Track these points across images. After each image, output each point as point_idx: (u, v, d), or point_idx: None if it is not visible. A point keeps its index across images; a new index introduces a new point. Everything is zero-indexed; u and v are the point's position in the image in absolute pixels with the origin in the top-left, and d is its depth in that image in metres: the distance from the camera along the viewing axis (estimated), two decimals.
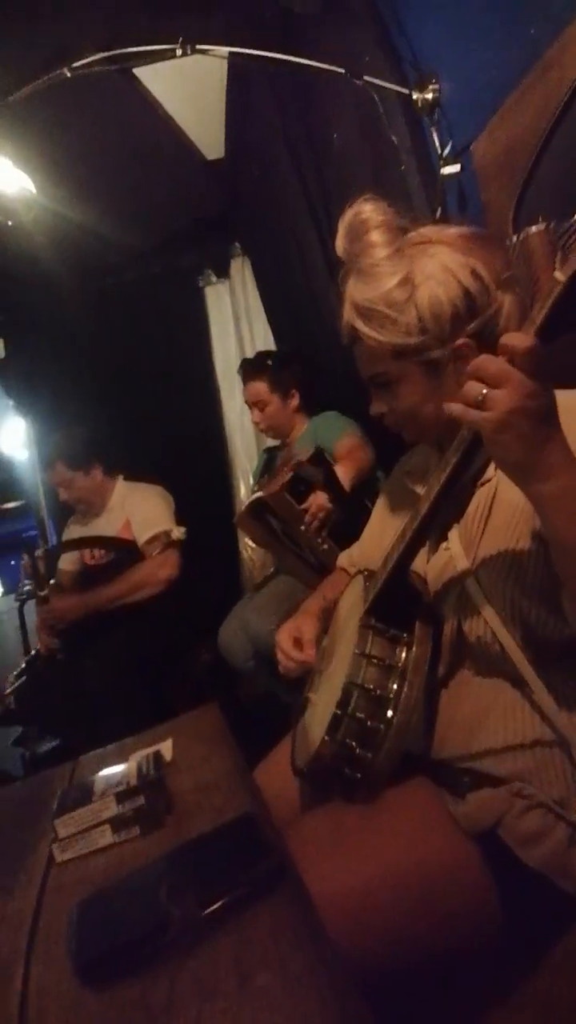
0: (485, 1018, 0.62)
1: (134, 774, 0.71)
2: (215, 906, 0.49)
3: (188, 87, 1.99)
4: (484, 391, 0.52)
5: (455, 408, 0.55)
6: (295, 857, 0.60)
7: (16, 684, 2.04)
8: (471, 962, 0.66)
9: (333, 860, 0.67)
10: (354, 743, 0.69)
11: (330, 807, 0.74)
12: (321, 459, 1.67)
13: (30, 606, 2.20)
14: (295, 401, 2.01)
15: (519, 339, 0.52)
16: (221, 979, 0.43)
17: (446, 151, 1.18)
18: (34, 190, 1.86)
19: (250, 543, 2.68)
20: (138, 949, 0.47)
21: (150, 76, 1.86)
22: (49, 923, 0.56)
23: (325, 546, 1.60)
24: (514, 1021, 0.62)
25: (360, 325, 0.73)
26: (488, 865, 0.65)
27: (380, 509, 1.02)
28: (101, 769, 0.76)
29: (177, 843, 0.61)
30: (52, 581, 2.12)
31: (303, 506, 1.57)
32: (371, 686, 0.70)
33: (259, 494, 1.72)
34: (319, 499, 1.56)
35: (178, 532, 2.06)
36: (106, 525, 2.15)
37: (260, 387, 1.99)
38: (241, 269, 2.88)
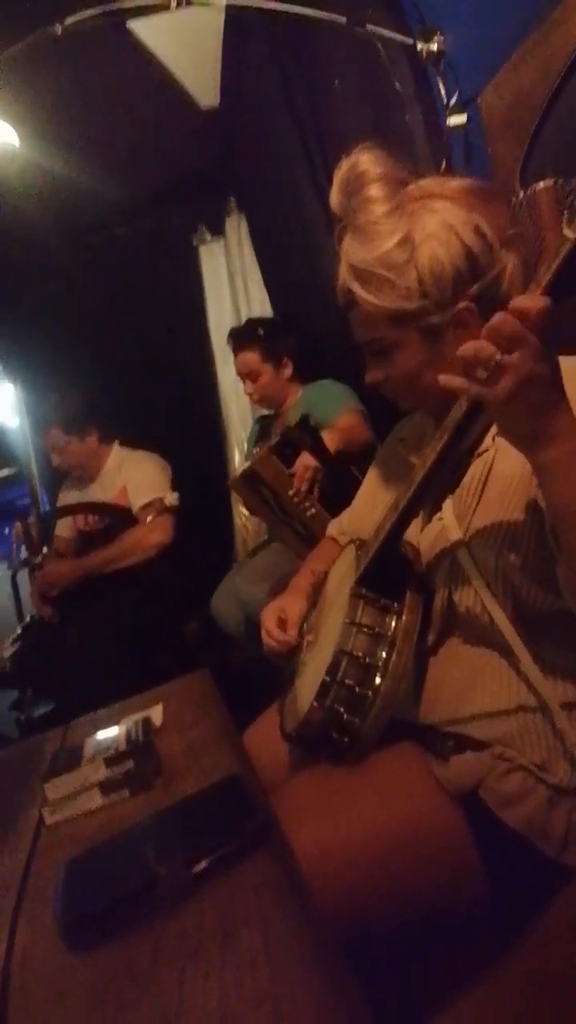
0: (466, 977, 0.65)
1: (123, 739, 0.72)
2: (201, 864, 0.49)
3: (184, 37, 1.89)
4: (498, 356, 0.49)
5: (455, 382, 0.51)
6: (281, 818, 0.61)
7: (12, 649, 2.05)
8: (453, 922, 0.68)
9: (318, 820, 0.68)
10: (342, 709, 0.70)
11: (316, 769, 0.76)
12: (307, 424, 1.65)
13: (23, 574, 2.20)
14: (288, 370, 1.97)
15: (532, 301, 0.49)
16: (205, 939, 0.43)
17: (452, 101, 1.12)
18: (18, 143, 1.78)
19: (244, 511, 2.68)
20: (124, 907, 0.48)
21: (144, 27, 1.77)
22: (37, 885, 0.57)
23: (313, 510, 1.60)
24: (496, 979, 0.64)
25: (357, 288, 0.70)
26: (470, 826, 0.67)
27: (373, 477, 1.01)
28: (92, 733, 0.77)
29: (165, 804, 0.62)
30: (45, 549, 2.11)
31: (291, 470, 1.57)
32: (360, 654, 0.71)
33: (249, 463, 1.71)
34: (306, 459, 1.55)
35: (172, 498, 2.05)
36: (101, 491, 2.14)
37: (251, 357, 1.94)
38: (237, 227, 2.77)
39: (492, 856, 0.66)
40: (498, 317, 0.49)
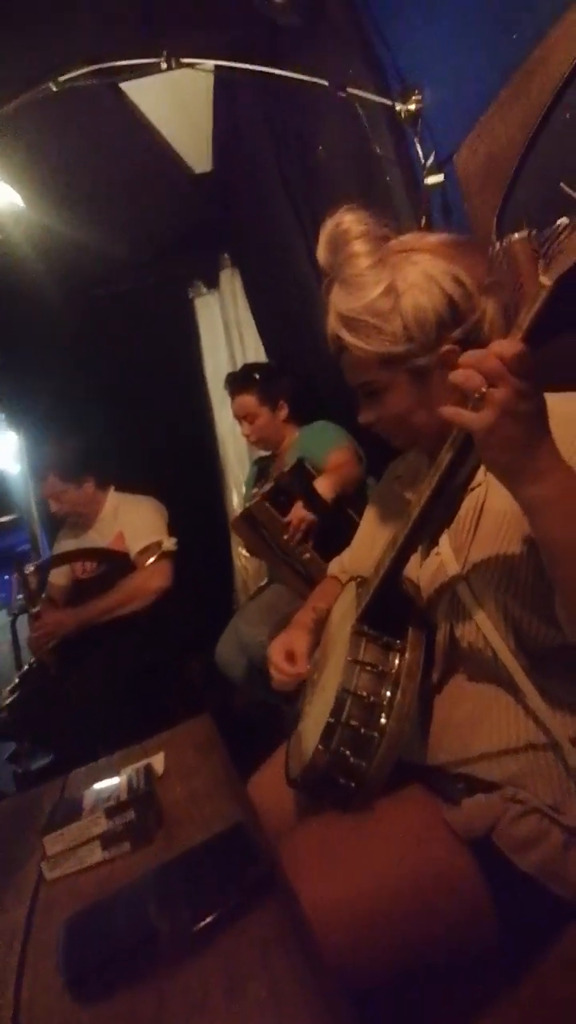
0: (471, 1016, 0.62)
1: (124, 788, 0.71)
2: (205, 921, 0.48)
3: (175, 101, 2.01)
4: (484, 388, 0.52)
5: (448, 411, 0.54)
6: (288, 868, 0.60)
7: (10, 699, 2.01)
8: (466, 969, 0.65)
9: (326, 871, 0.66)
10: (348, 751, 0.69)
11: (323, 817, 0.74)
12: (301, 470, 1.68)
13: (23, 620, 2.18)
14: (284, 412, 2.02)
15: (507, 345, 0.52)
16: (210, 992, 0.42)
17: (429, 161, 1.19)
18: (22, 204, 1.88)
19: (244, 552, 2.68)
20: (126, 964, 0.47)
21: (137, 90, 1.88)
22: (40, 939, 0.55)
23: (307, 555, 1.61)
24: (497, 1009, 0.61)
25: (346, 335, 0.73)
26: (483, 872, 0.65)
27: (370, 515, 1.02)
28: (92, 784, 0.75)
29: (167, 856, 0.60)
30: (44, 595, 2.10)
31: (286, 518, 1.58)
32: (364, 693, 0.70)
33: (247, 505, 1.73)
34: (299, 510, 1.57)
35: (169, 543, 2.05)
36: (98, 537, 2.14)
37: (248, 400, 2.00)
38: (231, 280, 2.89)
39: (503, 899, 0.64)
40: (480, 353, 0.52)
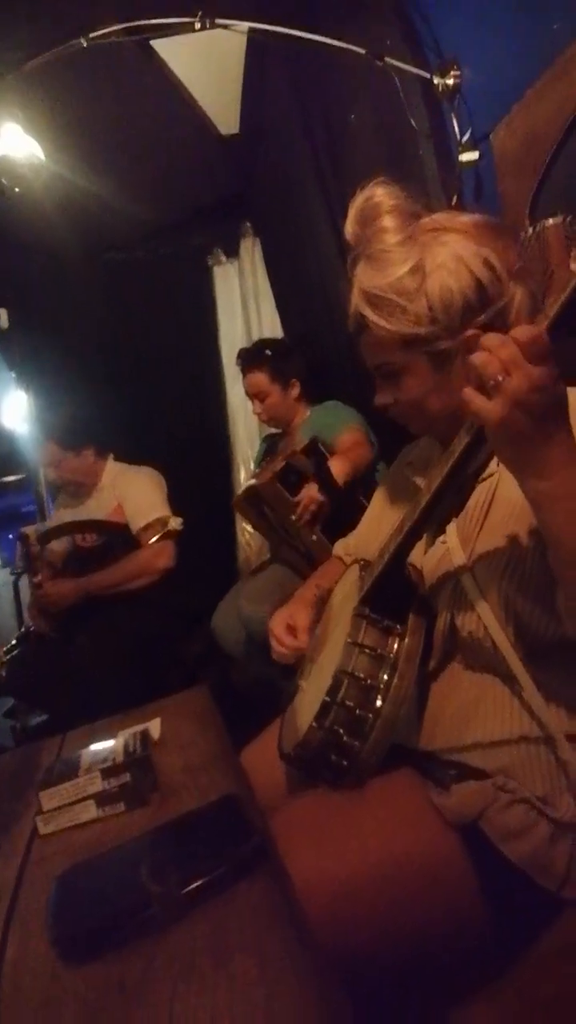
0: (463, 1008, 0.63)
1: (121, 751, 0.72)
2: (195, 885, 0.49)
3: (206, 62, 1.95)
4: (500, 377, 0.51)
5: (467, 392, 0.53)
6: (278, 841, 0.61)
7: (7, 658, 2.04)
8: (451, 952, 0.67)
9: (316, 847, 0.67)
10: (342, 731, 0.70)
11: (316, 793, 0.75)
12: (315, 450, 1.66)
13: (25, 578, 2.20)
14: (295, 391, 2.00)
15: (524, 330, 0.50)
16: (197, 959, 0.43)
17: (465, 138, 1.16)
18: (43, 157, 1.83)
19: (248, 527, 2.69)
20: (116, 926, 0.48)
21: (168, 49, 1.82)
22: (30, 894, 0.56)
23: (314, 537, 1.60)
24: (492, 1012, 0.62)
25: (368, 313, 0.72)
26: (469, 858, 0.66)
27: (379, 499, 1.02)
28: (89, 744, 0.77)
29: (160, 821, 0.61)
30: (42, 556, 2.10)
31: (296, 498, 1.57)
32: (362, 675, 0.70)
33: (252, 481, 1.72)
34: (311, 491, 1.55)
35: (175, 523, 2.03)
36: (96, 507, 2.11)
37: (260, 378, 1.98)
38: (251, 249, 2.83)
39: (489, 887, 0.65)
40: (497, 338, 0.51)
